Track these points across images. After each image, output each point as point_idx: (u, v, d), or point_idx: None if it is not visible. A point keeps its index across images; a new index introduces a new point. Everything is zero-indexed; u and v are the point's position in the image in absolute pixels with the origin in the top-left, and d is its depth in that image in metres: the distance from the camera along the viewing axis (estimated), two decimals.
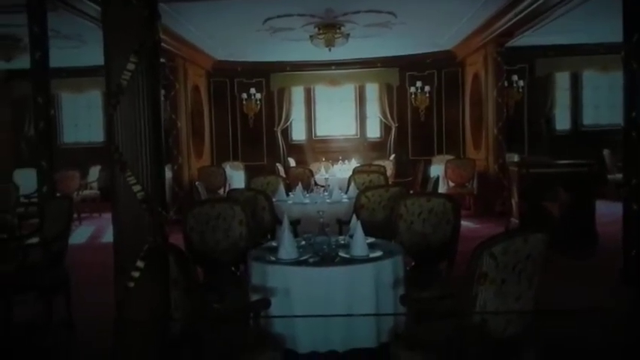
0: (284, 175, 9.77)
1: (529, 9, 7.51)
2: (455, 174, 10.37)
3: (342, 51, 9.78)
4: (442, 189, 9.89)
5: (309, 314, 3.05)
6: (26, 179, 8.50)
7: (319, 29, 8.75)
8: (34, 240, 4.91)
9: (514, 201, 7.73)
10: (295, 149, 12.89)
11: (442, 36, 10.22)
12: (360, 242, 3.34)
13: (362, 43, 9.87)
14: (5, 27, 7.58)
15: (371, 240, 3.64)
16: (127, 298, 2.10)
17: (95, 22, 6.41)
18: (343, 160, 11.18)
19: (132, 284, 2.05)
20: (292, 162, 12.13)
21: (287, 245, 3.31)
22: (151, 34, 2.05)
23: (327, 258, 3.30)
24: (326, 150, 12.55)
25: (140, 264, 2.05)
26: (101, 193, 10.57)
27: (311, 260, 3.27)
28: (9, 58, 8.25)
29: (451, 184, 10.30)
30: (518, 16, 7.94)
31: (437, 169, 10.42)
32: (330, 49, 9.02)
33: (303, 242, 3.54)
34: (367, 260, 3.25)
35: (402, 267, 3.40)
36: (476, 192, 10.17)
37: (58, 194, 7.41)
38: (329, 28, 8.71)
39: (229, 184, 10.08)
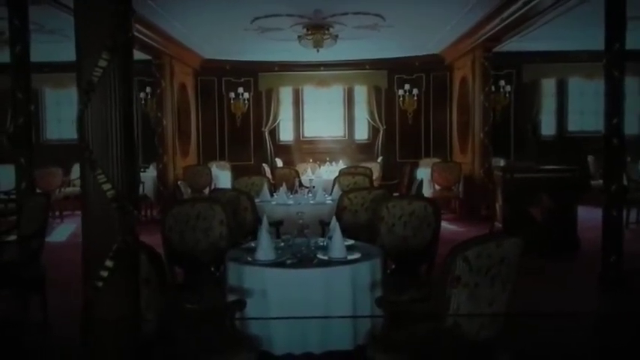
0: (270, 176, 9.75)
1: (515, 15, 7.56)
2: (441, 177, 10.40)
3: (331, 52, 9.78)
4: (428, 192, 9.93)
5: (285, 316, 3.03)
6: (7, 175, 8.37)
7: (308, 30, 8.74)
8: (13, 237, 4.85)
9: (498, 205, 7.78)
10: (283, 150, 12.86)
11: (430, 40, 10.26)
12: (338, 244, 3.34)
13: (351, 44, 9.87)
14: None
15: (350, 242, 3.64)
16: (95, 298, 2.06)
17: None
18: (330, 161, 11.18)
19: (100, 284, 2.02)
20: (279, 162, 12.11)
21: (264, 246, 3.29)
22: (125, 31, 2.02)
23: (304, 259, 3.28)
24: (313, 151, 12.53)
25: (109, 263, 2.02)
26: None
27: (288, 262, 3.25)
28: None
29: (437, 187, 10.33)
30: (504, 22, 7.99)
31: (423, 172, 10.45)
32: (318, 50, 9.01)
33: (282, 243, 3.52)
34: (344, 262, 3.24)
35: (380, 269, 3.40)
36: (462, 196, 10.21)
37: (38, 191, 7.34)
38: (317, 29, 8.70)
39: (215, 184, 10.02)
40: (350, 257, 3.31)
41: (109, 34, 1.96)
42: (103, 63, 1.95)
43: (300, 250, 3.37)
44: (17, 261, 4.40)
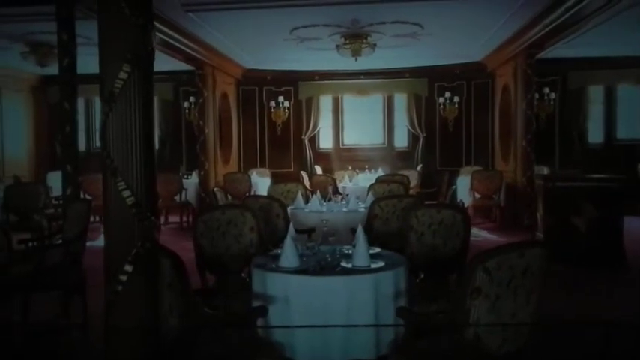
0: (308, 183, 9.81)
1: (558, 21, 7.38)
2: (481, 185, 10.19)
3: (370, 61, 9.79)
4: (468, 200, 9.75)
5: (306, 324, 3.05)
6: (59, 181, 8.76)
7: (345, 39, 8.79)
8: (59, 241, 5.08)
9: (539, 215, 7.56)
10: (322, 157, 12.94)
11: (471, 47, 10.12)
12: (361, 252, 3.33)
13: (390, 53, 9.86)
14: (41, 34, 7.90)
15: (375, 250, 3.62)
16: (115, 302, 2.15)
17: None
18: (370, 169, 11.15)
19: (120, 287, 2.11)
20: (319, 170, 12.18)
21: (288, 253, 3.32)
22: (145, 44, 2.11)
23: (327, 267, 3.30)
24: (353, 159, 12.54)
25: (128, 268, 2.10)
26: None
27: (311, 269, 3.27)
28: (44, 64, 8.57)
29: (477, 195, 10.14)
30: (547, 28, 7.80)
31: (464, 181, 10.28)
32: (356, 59, 9.04)
33: (308, 251, 3.54)
34: (367, 271, 3.24)
35: (404, 278, 3.37)
36: (503, 204, 9.97)
37: (87, 197, 7.66)
38: (355, 38, 8.74)
39: (255, 191, 10.18)
40: (373, 266, 3.29)
41: (130, 47, 2.06)
42: (123, 75, 2.05)
43: (324, 258, 3.38)
44: (60, 264, 4.60)
